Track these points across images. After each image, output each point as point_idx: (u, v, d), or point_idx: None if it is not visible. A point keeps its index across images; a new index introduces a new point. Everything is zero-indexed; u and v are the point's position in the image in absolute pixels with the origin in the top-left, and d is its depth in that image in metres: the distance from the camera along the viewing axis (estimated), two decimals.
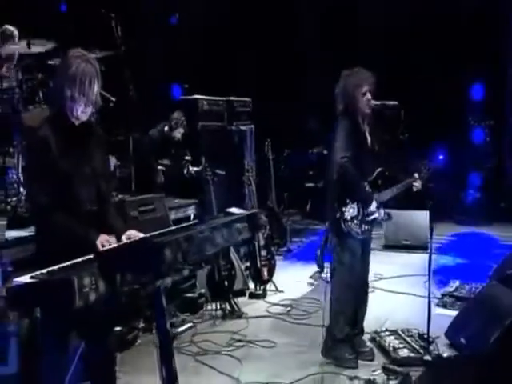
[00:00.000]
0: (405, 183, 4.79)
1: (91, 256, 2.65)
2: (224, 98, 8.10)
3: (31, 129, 3.21)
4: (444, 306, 6.09)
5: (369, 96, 4.64)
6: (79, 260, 2.67)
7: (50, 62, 6.37)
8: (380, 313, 5.93)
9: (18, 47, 6.28)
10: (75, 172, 3.13)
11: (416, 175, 4.80)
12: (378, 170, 4.74)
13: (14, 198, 5.73)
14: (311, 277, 7.26)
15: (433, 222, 8.50)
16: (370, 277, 7.11)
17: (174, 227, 3.16)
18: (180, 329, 5.60)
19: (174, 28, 10.87)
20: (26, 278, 2.55)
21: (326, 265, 7.00)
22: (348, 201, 4.65)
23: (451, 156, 10.79)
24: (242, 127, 8.15)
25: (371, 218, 4.75)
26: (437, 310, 5.99)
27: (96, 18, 6.48)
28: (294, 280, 7.23)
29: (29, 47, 5.94)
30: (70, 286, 2.39)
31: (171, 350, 3.01)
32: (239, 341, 5.37)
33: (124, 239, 3.14)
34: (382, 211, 4.82)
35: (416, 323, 5.42)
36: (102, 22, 6.37)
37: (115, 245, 2.79)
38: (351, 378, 4.55)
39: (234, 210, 7.04)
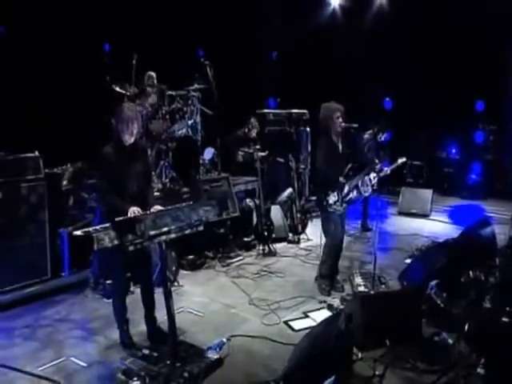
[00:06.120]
0: (365, 171, 4.69)
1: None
2: (285, 111, 8.16)
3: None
4: (412, 257, 5.91)
5: (340, 120, 4.64)
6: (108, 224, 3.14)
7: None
8: (367, 259, 5.78)
9: (155, 90, 6.85)
10: (125, 172, 3.57)
11: (378, 166, 4.74)
12: (349, 165, 4.72)
13: (167, 180, 6.23)
14: None
15: (434, 196, 8.44)
16: None
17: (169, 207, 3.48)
18: (233, 260, 5.93)
19: (275, 61, 11.13)
20: (78, 232, 3.09)
21: None
22: (329, 192, 4.70)
23: (461, 150, 10.29)
24: (299, 130, 8.23)
25: (347, 198, 4.75)
26: (407, 260, 5.78)
27: (197, 64, 6.79)
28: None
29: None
30: (92, 238, 2.92)
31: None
32: (264, 271, 5.55)
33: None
34: (354, 192, 4.75)
35: (390, 269, 5.37)
36: (201, 66, 6.67)
37: (125, 217, 3.19)
38: (320, 302, 4.70)
39: (288, 190, 7.30)
